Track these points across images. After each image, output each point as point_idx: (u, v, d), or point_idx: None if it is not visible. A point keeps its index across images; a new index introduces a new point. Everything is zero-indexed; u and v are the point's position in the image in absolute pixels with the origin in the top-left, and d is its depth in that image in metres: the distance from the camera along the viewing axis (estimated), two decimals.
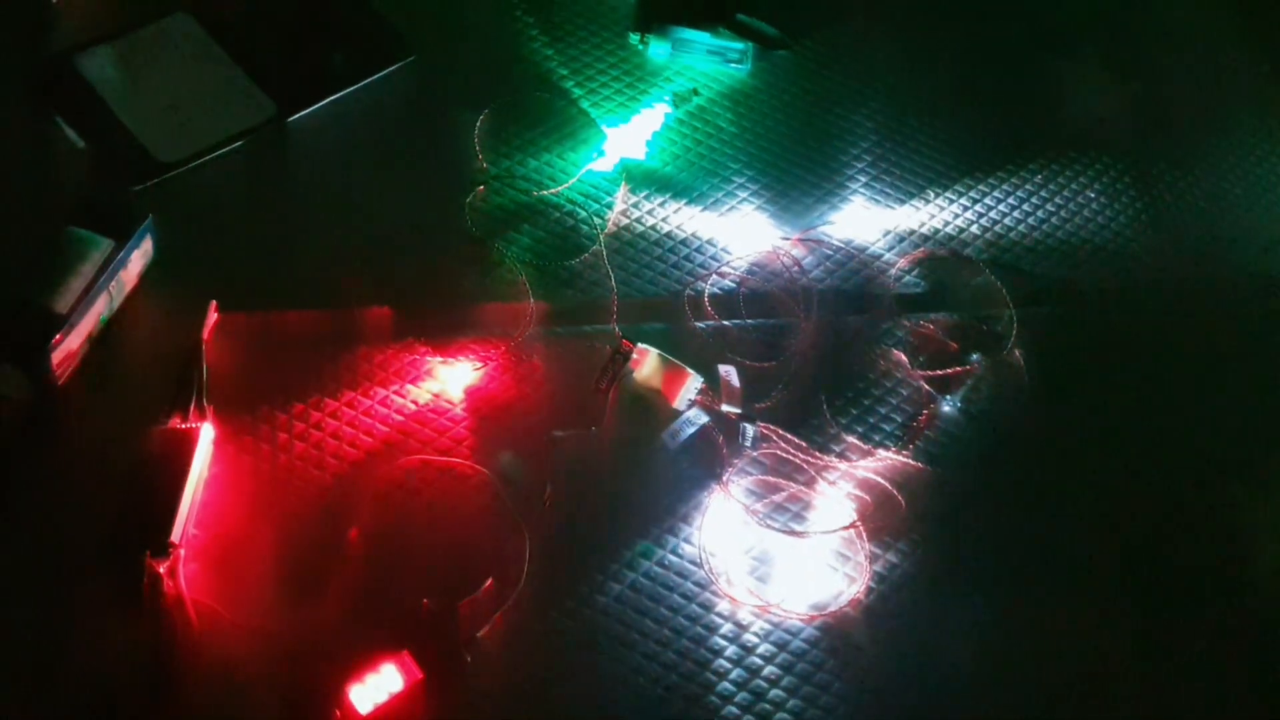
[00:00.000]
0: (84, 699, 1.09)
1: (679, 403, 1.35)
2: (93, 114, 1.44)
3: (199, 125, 1.46)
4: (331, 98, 1.53)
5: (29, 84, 1.45)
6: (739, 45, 1.71)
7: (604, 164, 1.55)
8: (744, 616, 1.24)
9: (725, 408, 1.34)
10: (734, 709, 1.19)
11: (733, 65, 1.71)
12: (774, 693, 1.20)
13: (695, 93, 1.67)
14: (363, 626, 1.15)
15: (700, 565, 1.26)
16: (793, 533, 1.30)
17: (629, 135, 1.59)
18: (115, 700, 1.09)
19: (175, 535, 1.12)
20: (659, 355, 1.35)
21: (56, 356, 1.20)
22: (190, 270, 1.35)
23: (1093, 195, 1.70)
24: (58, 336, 1.19)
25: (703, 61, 1.71)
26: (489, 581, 1.19)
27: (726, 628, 1.23)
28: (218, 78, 1.51)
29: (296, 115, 1.50)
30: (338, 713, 1.09)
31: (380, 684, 1.10)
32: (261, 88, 1.51)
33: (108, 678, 1.10)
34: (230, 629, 1.13)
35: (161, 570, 1.10)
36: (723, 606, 1.25)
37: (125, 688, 1.09)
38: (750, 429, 1.34)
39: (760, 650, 1.23)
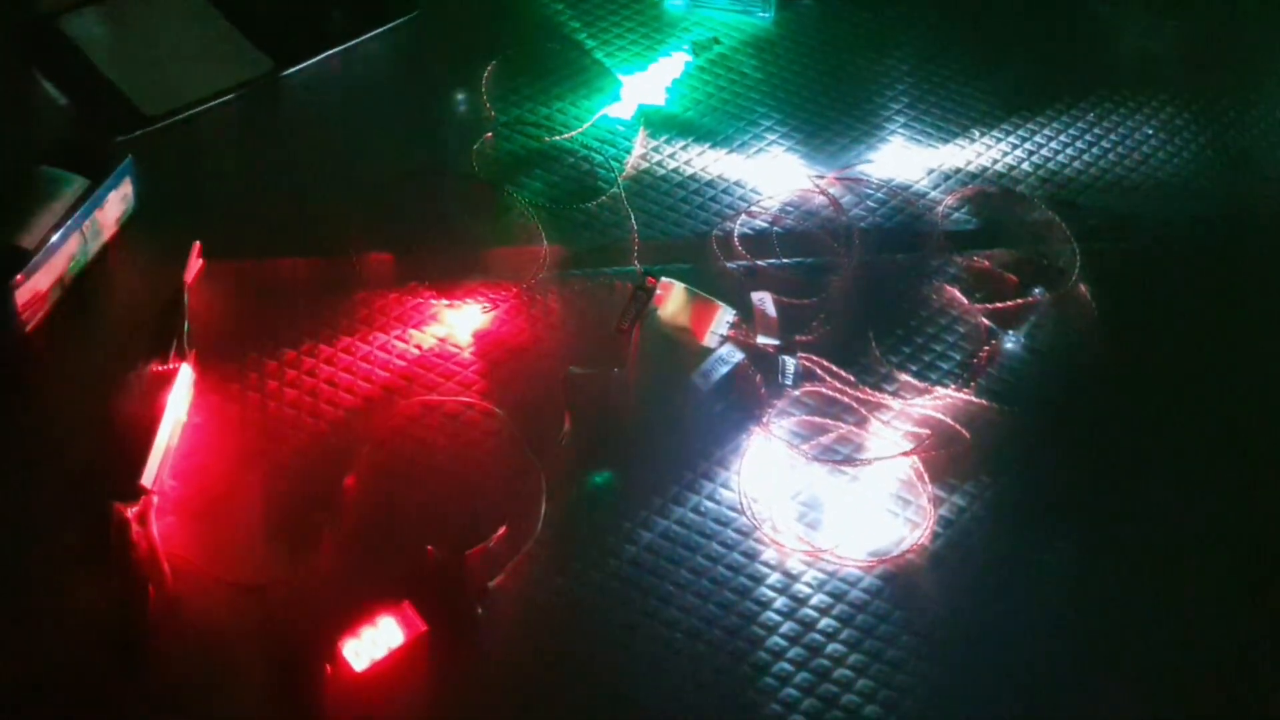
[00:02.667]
0: (51, 655, 0.96)
1: (709, 339, 1.22)
2: (78, 72, 1.36)
3: (188, 80, 1.37)
4: (330, 52, 1.44)
5: (13, 43, 1.38)
6: None
7: (622, 110, 1.45)
8: (794, 566, 1.09)
9: (761, 339, 1.21)
10: (787, 665, 1.03)
11: (755, 15, 1.61)
12: (832, 647, 1.05)
13: (716, 41, 1.57)
14: (359, 579, 1.02)
15: (741, 512, 1.12)
16: (846, 463, 1.16)
17: (647, 82, 1.48)
18: (83, 656, 0.96)
19: (147, 480, 1.00)
20: (685, 289, 1.22)
21: (22, 296, 1.09)
22: (176, 221, 1.25)
23: (1150, 131, 1.56)
24: (20, 275, 1.08)
25: (723, 12, 1.61)
26: (502, 529, 1.05)
27: (774, 578, 1.08)
28: (211, 35, 1.43)
29: (293, 69, 1.41)
30: (330, 669, 0.95)
31: (378, 638, 0.97)
32: (257, 45, 1.42)
33: (76, 633, 0.97)
34: (211, 584, 1.00)
35: (130, 515, 0.98)
36: (769, 555, 1.10)
37: (94, 644, 0.96)
38: (791, 362, 1.20)
39: (814, 601, 1.07)
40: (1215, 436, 1.25)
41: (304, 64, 1.42)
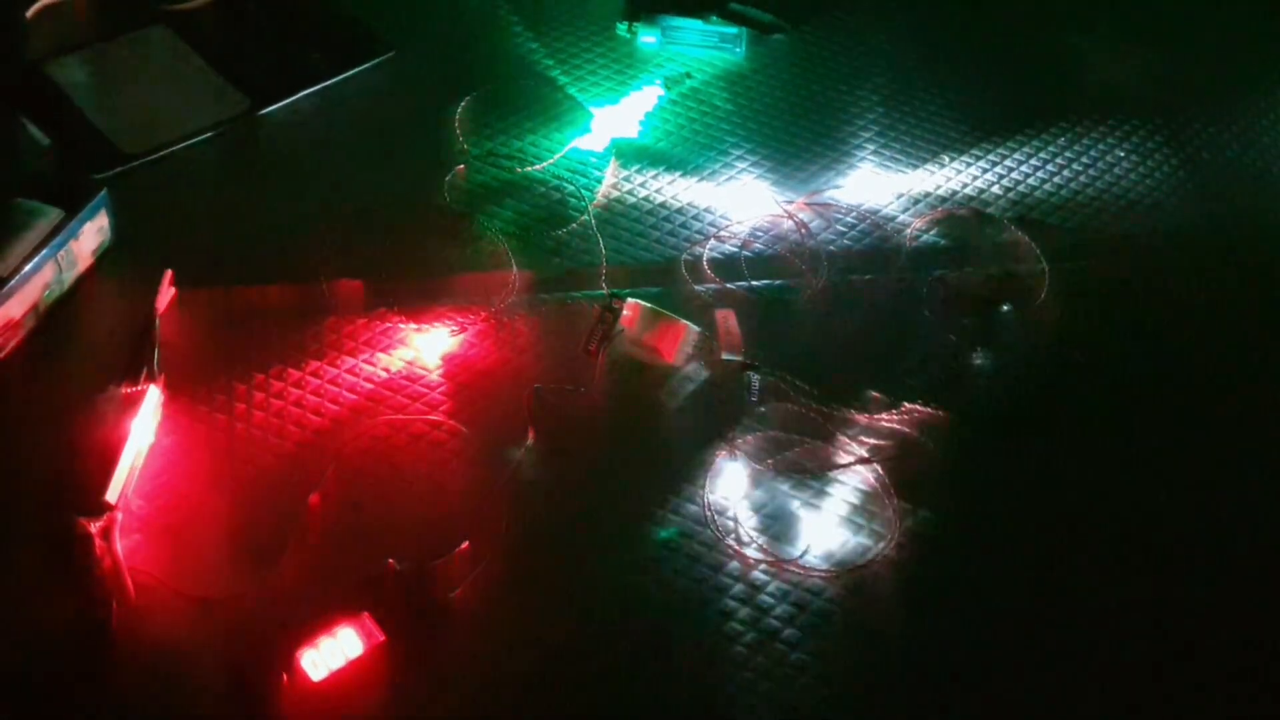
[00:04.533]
0: (12, 667, 0.97)
1: (677, 359, 1.23)
2: (60, 114, 1.39)
3: (167, 120, 1.41)
4: (307, 91, 1.48)
5: None
6: (732, 30, 1.64)
7: (593, 142, 1.47)
8: (757, 577, 1.09)
9: (725, 355, 1.22)
10: (749, 675, 1.03)
11: (727, 50, 1.64)
12: (795, 656, 1.04)
13: (688, 76, 1.60)
14: (321, 592, 1.02)
15: (706, 525, 1.12)
16: (808, 471, 1.16)
17: (619, 115, 1.51)
18: (45, 669, 0.97)
19: (111, 495, 1.01)
20: (652, 310, 1.24)
21: None
22: (152, 253, 1.27)
23: (1122, 154, 1.58)
24: None
25: (694, 48, 1.64)
26: (464, 544, 1.05)
27: (738, 589, 1.08)
28: (192, 80, 1.47)
29: (270, 108, 1.45)
30: (286, 679, 0.95)
31: (336, 649, 0.97)
32: (236, 85, 1.46)
33: (37, 646, 0.98)
34: (173, 599, 1.01)
35: (94, 530, 0.99)
36: (732, 567, 1.10)
37: (55, 659, 0.97)
38: (756, 379, 1.21)
39: (777, 612, 1.07)
40: (1185, 451, 1.25)
41: (281, 103, 1.45)
